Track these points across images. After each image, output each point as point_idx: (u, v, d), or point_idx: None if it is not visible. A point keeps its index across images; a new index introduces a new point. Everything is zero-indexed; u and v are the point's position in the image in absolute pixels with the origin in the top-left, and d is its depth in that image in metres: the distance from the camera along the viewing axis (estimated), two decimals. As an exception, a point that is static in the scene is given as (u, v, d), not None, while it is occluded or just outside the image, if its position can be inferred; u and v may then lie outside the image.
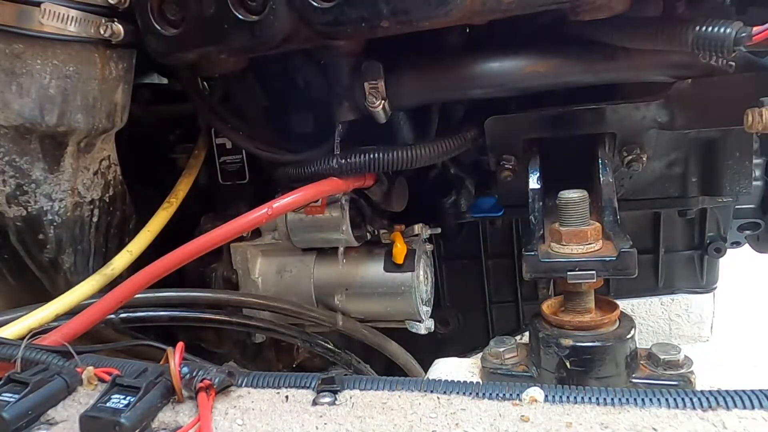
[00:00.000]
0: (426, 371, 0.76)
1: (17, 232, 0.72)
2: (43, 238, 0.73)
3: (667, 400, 0.42)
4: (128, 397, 0.44)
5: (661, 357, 0.61)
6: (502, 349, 0.66)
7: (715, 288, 1.08)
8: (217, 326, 0.85)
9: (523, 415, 0.42)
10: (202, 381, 0.46)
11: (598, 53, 0.68)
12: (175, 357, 0.47)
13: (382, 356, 0.93)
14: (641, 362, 0.62)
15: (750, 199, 1.01)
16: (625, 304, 0.93)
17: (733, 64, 0.57)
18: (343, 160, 0.74)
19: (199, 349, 0.96)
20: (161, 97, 1.00)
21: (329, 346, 0.87)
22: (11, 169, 0.69)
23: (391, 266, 0.86)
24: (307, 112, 0.83)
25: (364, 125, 0.74)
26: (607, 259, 0.60)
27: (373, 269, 0.87)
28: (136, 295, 0.68)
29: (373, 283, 0.86)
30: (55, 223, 0.73)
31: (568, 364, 0.59)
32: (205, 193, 0.95)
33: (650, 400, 0.42)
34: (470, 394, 0.45)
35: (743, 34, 0.51)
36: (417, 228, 0.88)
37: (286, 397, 0.47)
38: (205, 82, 0.83)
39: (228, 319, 0.81)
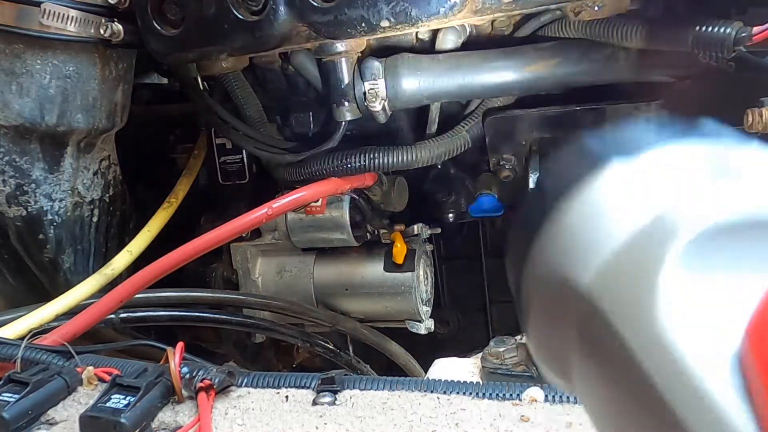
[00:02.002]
0: (426, 371, 0.76)
1: (17, 232, 0.72)
2: (43, 238, 0.73)
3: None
4: (128, 397, 0.44)
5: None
6: (502, 349, 0.66)
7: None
8: (217, 326, 0.85)
9: (523, 415, 0.42)
10: (202, 381, 0.46)
11: (599, 53, 0.68)
12: (175, 357, 0.47)
13: (382, 356, 0.93)
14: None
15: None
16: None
17: (734, 64, 0.57)
18: (343, 161, 0.74)
19: (199, 349, 0.96)
20: (161, 97, 1.00)
21: (329, 346, 0.87)
22: (11, 169, 0.69)
23: (391, 266, 0.86)
24: (306, 112, 0.83)
25: (364, 125, 0.74)
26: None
27: (373, 269, 0.87)
28: (136, 295, 0.68)
29: (373, 283, 0.86)
30: (55, 223, 0.73)
31: (568, 364, 0.59)
32: (205, 193, 0.95)
33: (650, 400, 0.42)
34: (470, 394, 0.45)
35: (743, 34, 0.51)
36: (417, 228, 0.88)
37: (286, 397, 0.47)
38: (205, 82, 0.83)
39: (228, 318, 0.81)
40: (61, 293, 0.70)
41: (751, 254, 0.17)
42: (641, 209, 0.19)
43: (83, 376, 0.50)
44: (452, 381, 0.47)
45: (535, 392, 0.44)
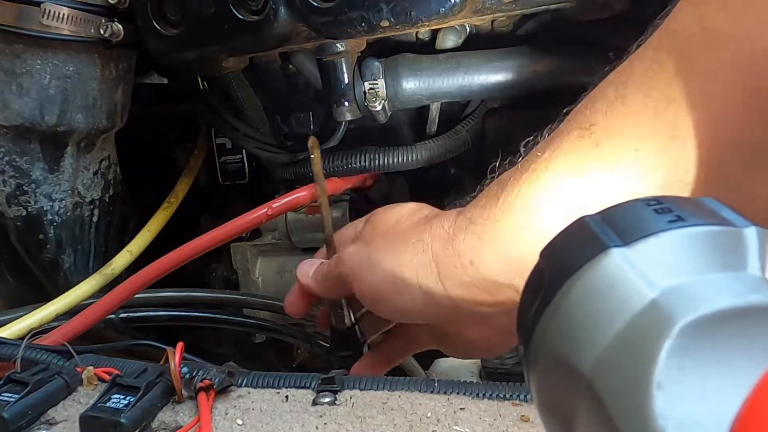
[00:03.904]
0: (426, 371, 0.76)
1: (17, 232, 0.72)
2: (43, 238, 0.73)
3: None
4: (128, 397, 0.44)
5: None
6: (502, 349, 0.66)
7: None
8: (217, 326, 0.85)
9: (523, 415, 0.42)
10: (202, 381, 0.46)
11: (599, 53, 0.67)
12: (175, 357, 0.47)
13: (382, 356, 0.93)
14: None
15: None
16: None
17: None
18: (343, 161, 0.74)
19: (199, 349, 0.96)
20: (161, 97, 1.00)
21: (329, 346, 0.86)
22: (11, 169, 0.69)
23: (391, 266, 0.85)
24: (306, 112, 0.82)
25: (364, 125, 0.74)
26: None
27: (373, 269, 0.86)
28: (136, 295, 0.68)
29: (373, 283, 0.86)
30: (55, 223, 0.73)
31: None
32: (205, 193, 0.95)
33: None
34: (470, 394, 0.45)
35: None
36: (417, 228, 0.88)
37: (286, 397, 0.47)
38: (205, 82, 0.83)
39: (228, 318, 0.81)
40: (61, 293, 0.70)
41: (748, 341, 0.18)
42: (638, 296, 0.19)
43: (83, 376, 0.50)
44: (452, 381, 0.47)
45: (535, 392, 0.44)
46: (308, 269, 0.56)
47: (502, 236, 0.41)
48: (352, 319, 0.57)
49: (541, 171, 0.41)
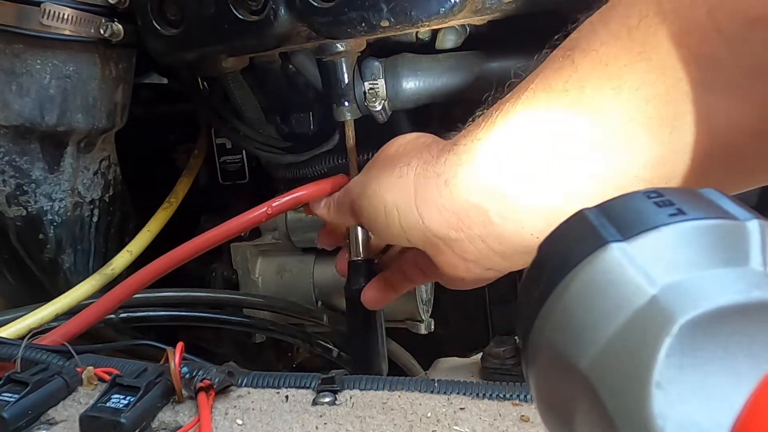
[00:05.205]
0: (426, 371, 0.76)
1: (17, 232, 0.72)
2: (43, 238, 0.73)
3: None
4: (128, 397, 0.45)
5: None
6: (502, 349, 0.65)
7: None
8: (217, 326, 0.85)
9: (523, 415, 0.42)
10: (202, 381, 0.46)
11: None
12: (175, 357, 0.47)
13: (382, 356, 0.93)
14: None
15: (748, 198, 1.01)
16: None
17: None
18: (343, 160, 0.74)
19: (199, 349, 0.96)
20: (161, 97, 1.00)
21: (329, 346, 0.87)
22: (11, 169, 0.69)
23: (391, 266, 0.85)
24: (306, 112, 0.83)
25: (364, 125, 0.74)
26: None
27: (373, 269, 0.86)
28: (136, 295, 0.68)
29: (373, 283, 0.86)
30: (55, 223, 0.73)
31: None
32: (205, 193, 0.95)
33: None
34: (470, 394, 0.45)
35: None
36: (417, 228, 0.88)
37: (286, 397, 0.47)
38: (205, 82, 0.83)
39: (228, 319, 0.81)
40: (61, 293, 0.70)
41: (749, 339, 0.17)
42: (638, 292, 0.19)
43: (83, 376, 0.50)
44: (452, 381, 0.47)
45: (535, 392, 0.44)
46: (321, 199, 0.61)
47: (480, 156, 0.42)
48: (361, 252, 0.60)
49: (523, 94, 0.42)
